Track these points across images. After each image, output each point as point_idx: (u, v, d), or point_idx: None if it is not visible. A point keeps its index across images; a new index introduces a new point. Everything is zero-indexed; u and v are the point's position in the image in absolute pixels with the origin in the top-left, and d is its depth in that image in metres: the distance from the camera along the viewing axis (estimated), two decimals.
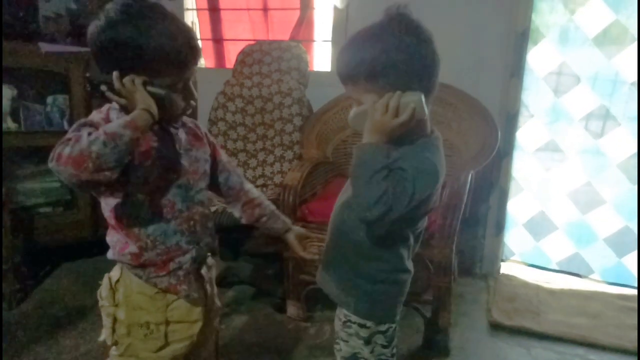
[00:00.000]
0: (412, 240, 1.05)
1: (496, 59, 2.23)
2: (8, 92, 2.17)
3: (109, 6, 0.90)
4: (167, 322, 1.03)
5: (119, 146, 0.81)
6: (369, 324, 1.05)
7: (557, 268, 2.41)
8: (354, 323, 1.06)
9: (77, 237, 2.32)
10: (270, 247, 2.60)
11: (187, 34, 0.94)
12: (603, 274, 2.34)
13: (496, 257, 2.43)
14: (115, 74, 0.89)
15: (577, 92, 2.19)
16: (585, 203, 2.31)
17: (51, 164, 0.81)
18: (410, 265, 1.08)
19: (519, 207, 2.43)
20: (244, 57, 2.48)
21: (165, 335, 1.03)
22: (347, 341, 1.09)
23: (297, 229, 1.27)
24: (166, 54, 0.90)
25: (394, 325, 1.08)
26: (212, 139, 1.15)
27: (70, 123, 2.25)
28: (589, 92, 2.17)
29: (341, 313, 1.11)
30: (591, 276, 2.35)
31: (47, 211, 2.33)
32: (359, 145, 0.93)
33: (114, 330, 1.03)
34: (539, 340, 1.90)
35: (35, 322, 1.88)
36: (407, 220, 0.98)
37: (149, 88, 0.90)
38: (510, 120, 2.25)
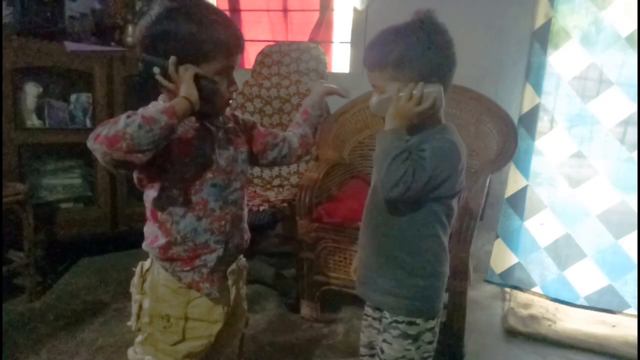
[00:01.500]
0: (449, 228, 1.08)
1: (515, 61, 2.21)
2: (33, 89, 2.22)
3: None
4: (187, 319, 1.04)
5: (154, 130, 0.83)
6: (418, 320, 1.06)
7: (585, 304, 2.07)
8: (401, 323, 1.07)
9: (97, 232, 2.36)
10: (285, 246, 2.62)
11: (232, 23, 1.00)
12: None
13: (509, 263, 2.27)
14: (172, 59, 0.92)
15: (608, 97, 1.95)
16: (619, 226, 1.97)
17: (89, 143, 0.84)
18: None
19: (540, 228, 2.12)
20: (263, 57, 2.50)
21: (183, 331, 1.04)
22: (391, 344, 1.08)
23: (317, 86, 1.24)
24: (218, 40, 0.95)
25: (438, 320, 1.10)
26: (252, 122, 1.16)
27: (93, 120, 2.30)
28: (621, 97, 1.93)
29: (376, 317, 1.13)
30: (626, 311, 2.01)
31: (68, 207, 2.37)
32: (381, 132, 1.03)
33: (138, 317, 1.07)
34: (555, 348, 1.87)
35: (55, 316, 1.92)
36: (437, 199, 1.02)
37: (202, 81, 0.93)
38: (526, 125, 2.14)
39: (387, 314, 1.09)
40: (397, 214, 1.04)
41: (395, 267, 1.06)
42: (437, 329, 1.09)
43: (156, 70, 0.92)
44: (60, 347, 1.72)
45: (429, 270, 1.06)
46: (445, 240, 1.09)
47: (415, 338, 1.06)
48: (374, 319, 1.16)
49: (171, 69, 0.92)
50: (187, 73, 0.92)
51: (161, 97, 1.01)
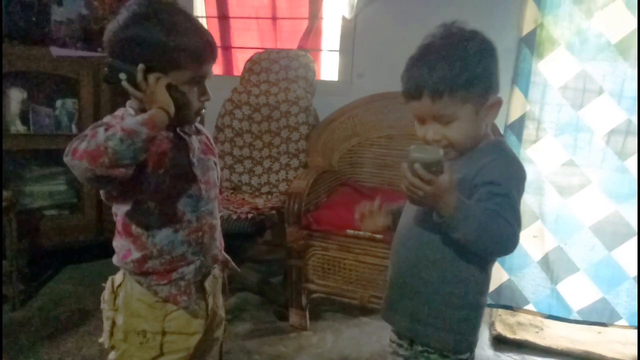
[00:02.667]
0: None
1: (502, 70, 2.21)
2: (18, 94, 2.19)
3: (129, 3, 0.92)
4: (164, 333, 1.01)
5: (136, 143, 0.81)
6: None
7: (578, 318, 1.99)
8: (433, 353, 0.99)
9: (82, 240, 2.33)
10: (274, 254, 2.61)
11: (205, 31, 0.97)
12: (630, 319, 1.92)
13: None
14: (141, 66, 0.89)
15: (598, 104, 1.90)
16: (612, 236, 1.90)
17: (66, 158, 0.81)
18: None
19: (532, 240, 2.03)
20: (252, 65, 2.50)
21: (161, 346, 1.01)
22: None
23: None
24: (188, 48, 0.92)
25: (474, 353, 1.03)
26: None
27: (79, 126, 2.28)
28: (611, 105, 1.87)
29: (401, 344, 1.07)
30: (617, 322, 1.94)
31: (53, 214, 2.34)
32: (445, 213, 0.84)
33: (111, 334, 1.03)
34: (543, 354, 1.88)
35: (38, 325, 1.88)
36: None
37: (172, 91, 0.91)
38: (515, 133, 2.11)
39: (405, 343, 1.05)
40: (444, 235, 0.91)
41: (433, 295, 0.96)
42: (471, 358, 1.02)
43: (123, 76, 0.90)
44: (44, 357, 1.69)
45: (470, 300, 0.97)
46: (490, 266, 0.99)
47: None
48: (399, 345, 1.08)
49: (139, 77, 0.89)
50: (159, 83, 0.89)
51: (129, 103, 0.99)
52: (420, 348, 1.01)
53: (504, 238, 0.86)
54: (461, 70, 0.87)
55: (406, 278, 1.00)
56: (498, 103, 0.93)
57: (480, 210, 0.85)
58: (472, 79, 0.88)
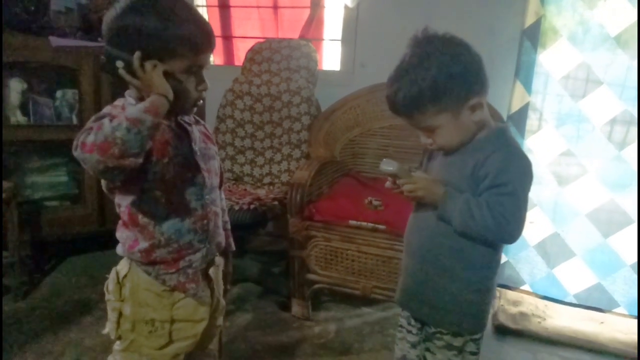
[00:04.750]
0: None
1: (505, 60, 2.21)
2: (18, 85, 2.18)
3: None
4: (172, 321, 1.02)
5: (142, 132, 0.81)
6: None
7: (574, 302, 2.07)
8: (446, 334, 1.04)
9: (84, 231, 2.33)
10: (276, 245, 2.61)
11: (203, 20, 0.97)
12: (630, 307, 1.97)
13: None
14: (137, 54, 0.89)
15: (598, 95, 1.94)
16: (608, 224, 1.97)
17: (76, 153, 0.81)
18: None
19: (530, 226, 2.09)
20: (253, 54, 2.48)
21: (170, 334, 1.03)
22: (435, 354, 1.06)
23: None
24: (185, 36, 0.92)
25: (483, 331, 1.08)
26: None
27: (79, 117, 2.27)
28: (610, 96, 1.93)
29: (410, 329, 1.11)
30: (616, 310, 2.00)
31: (54, 205, 2.34)
32: (440, 208, 0.98)
33: (118, 325, 1.03)
34: (545, 344, 1.88)
35: (41, 315, 1.89)
36: None
37: (168, 79, 0.91)
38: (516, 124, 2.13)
39: (414, 328, 1.08)
40: None
41: (450, 281, 1.01)
42: (480, 339, 1.07)
43: (119, 64, 0.89)
44: (47, 348, 1.69)
45: (484, 284, 1.02)
46: (501, 251, 1.04)
47: (460, 350, 1.04)
48: (408, 331, 1.12)
49: (136, 64, 0.89)
50: (156, 70, 0.89)
51: (128, 93, 0.99)
52: (433, 330, 1.05)
53: (494, 228, 0.92)
54: (424, 88, 0.91)
55: (423, 265, 1.05)
56: (478, 104, 0.94)
57: (466, 202, 0.93)
58: (438, 93, 0.92)
